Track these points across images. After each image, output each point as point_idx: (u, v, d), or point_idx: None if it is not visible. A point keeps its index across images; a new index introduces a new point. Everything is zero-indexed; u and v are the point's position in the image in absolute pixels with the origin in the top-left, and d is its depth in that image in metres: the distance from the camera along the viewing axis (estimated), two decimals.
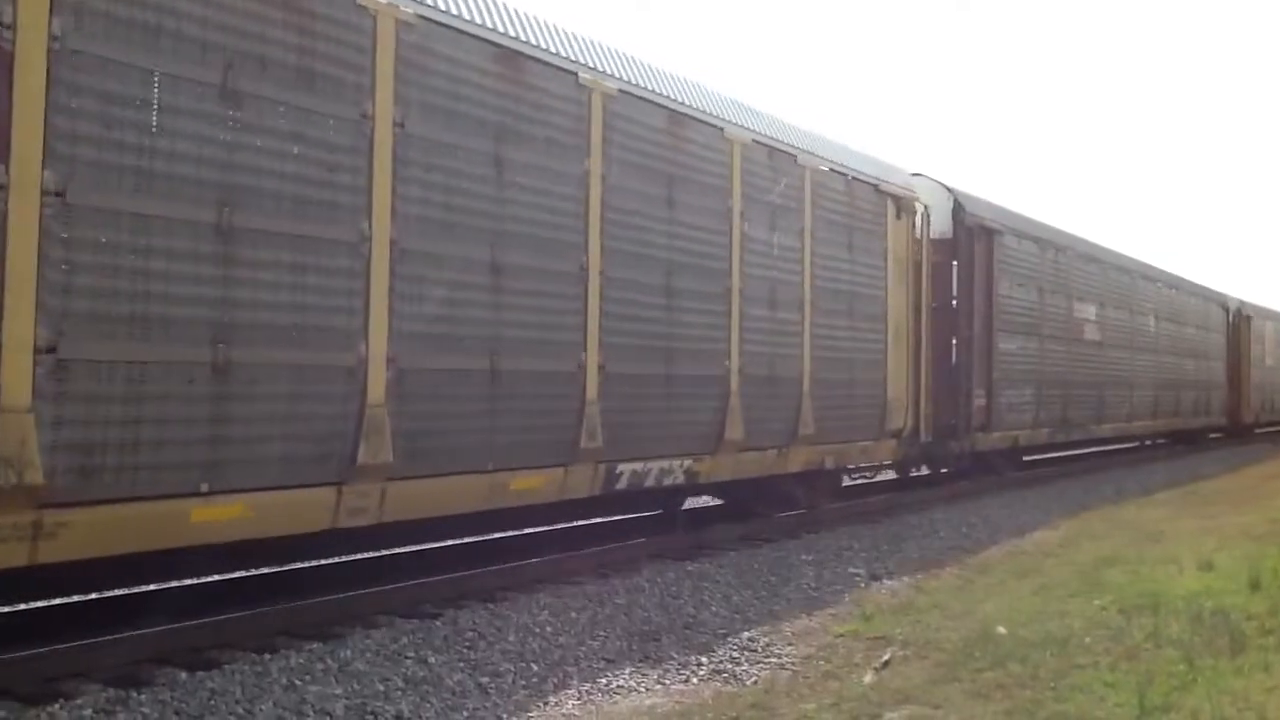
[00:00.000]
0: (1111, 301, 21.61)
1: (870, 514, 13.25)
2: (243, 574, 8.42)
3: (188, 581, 7.61)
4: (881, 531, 12.09)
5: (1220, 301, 30.28)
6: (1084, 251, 20.60)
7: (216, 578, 8.31)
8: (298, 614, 7.07)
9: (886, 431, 13.03)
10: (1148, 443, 26.42)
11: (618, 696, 6.09)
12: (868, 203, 12.70)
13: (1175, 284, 26.44)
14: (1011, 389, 16.77)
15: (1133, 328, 22.84)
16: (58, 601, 7.59)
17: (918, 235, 14.21)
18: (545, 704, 5.91)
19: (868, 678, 6.39)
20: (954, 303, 15.52)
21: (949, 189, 15.55)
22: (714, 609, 8.13)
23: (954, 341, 15.50)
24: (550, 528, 10.37)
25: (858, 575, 9.68)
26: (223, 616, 6.77)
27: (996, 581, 9.47)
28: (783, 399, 11.02)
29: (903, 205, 13.43)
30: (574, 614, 7.60)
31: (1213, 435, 30.63)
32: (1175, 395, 25.65)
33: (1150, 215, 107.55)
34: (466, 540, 9.58)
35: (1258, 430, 35.03)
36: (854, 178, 12.40)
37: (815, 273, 11.53)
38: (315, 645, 6.52)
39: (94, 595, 7.35)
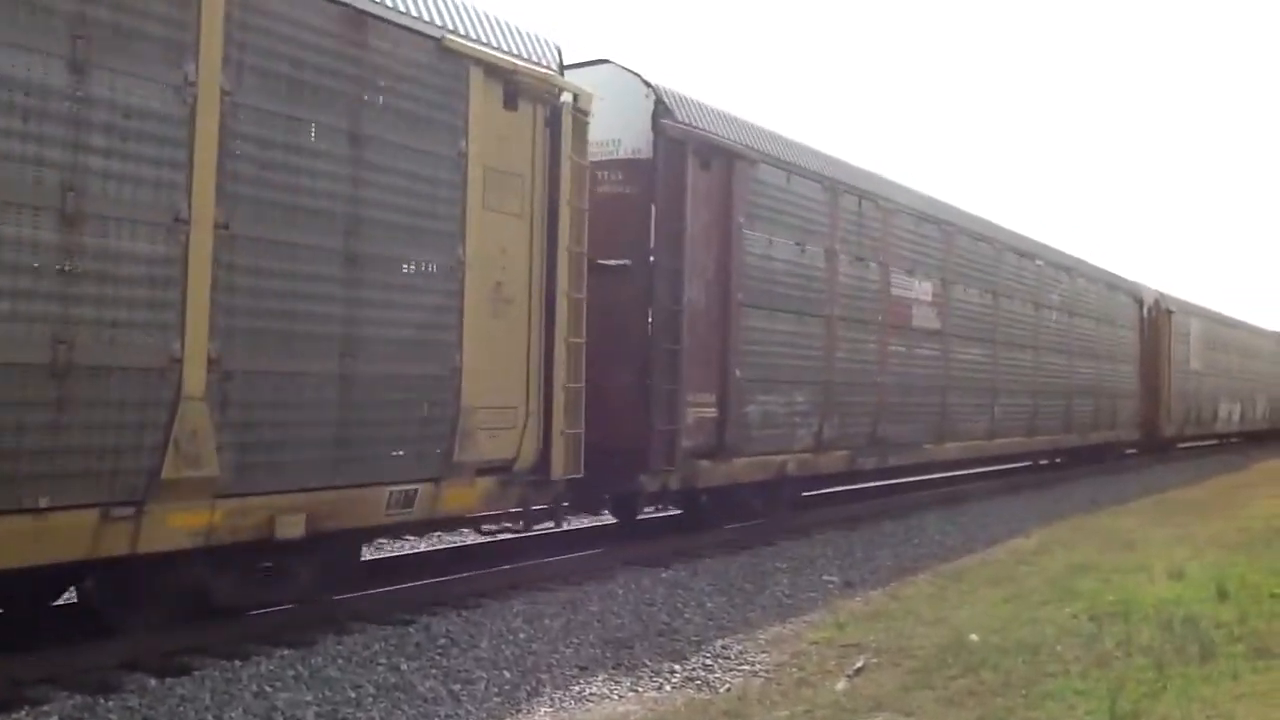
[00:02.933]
0: (962, 279, 15.83)
1: (845, 521, 13.26)
2: None
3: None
4: (856, 539, 12.11)
5: (1132, 291, 24.75)
6: (910, 206, 14.57)
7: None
8: (269, 620, 7.02)
9: (464, 466, 7.67)
10: (1052, 461, 22.14)
11: (590, 704, 6.08)
12: (414, 66, 7.36)
13: (1066, 264, 20.69)
14: (771, 394, 11.43)
15: (996, 316, 17.09)
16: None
17: (565, 145, 8.52)
18: (518, 711, 5.90)
19: (841, 685, 6.40)
20: (651, 259, 9.99)
21: (649, 84, 10.15)
22: (688, 616, 8.13)
23: (649, 319, 9.99)
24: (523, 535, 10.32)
25: (832, 582, 9.70)
26: (194, 622, 6.72)
27: (970, 589, 9.50)
28: (100, 409, 5.68)
29: (521, 88, 8.12)
30: (548, 621, 7.58)
31: (1129, 451, 25.97)
32: (1065, 405, 20.14)
33: (1072, 209, 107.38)
34: (440, 546, 9.54)
35: (1181, 445, 29.96)
36: (368, 11, 7.03)
37: (236, 167, 6.27)
38: (286, 652, 6.49)
39: (62, 601, 7.28)
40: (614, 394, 9.56)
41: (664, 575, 9.36)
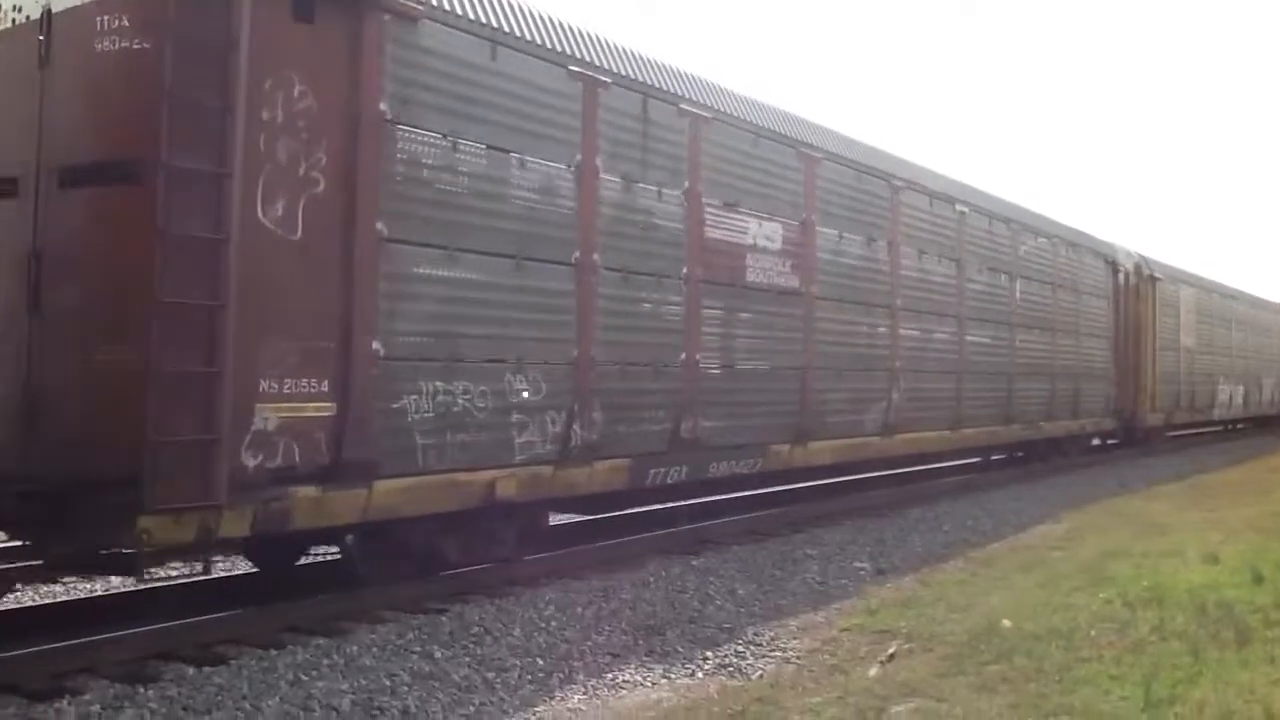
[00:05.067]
0: (835, 222, 11.91)
1: (875, 508, 13.23)
2: (249, 570, 8.47)
3: (196, 578, 7.64)
4: (886, 525, 12.09)
5: (1104, 253, 20.58)
6: (742, 117, 10.59)
7: (224, 574, 8.36)
8: (304, 610, 7.09)
9: None
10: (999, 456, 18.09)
11: (624, 691, 6.10)
12: None
13: (1004, 214, 16.46)
14: (458, 378, 7.51)
15: (894, 274, 13.11)
16: (64, 599, 7.64)
17: None
18: (551, 699, 5.92)
19: (873, 671, 6.39)
20: (163, 159, 5.83)
21: None
22: (719, 603, 8.14)
23: (161, 258, 5.79)
24: (553, 523, 10.36)
25: (862, 569, 9.69)
26: (230, 612, 6.80)
27: (1001, 575, 9.47)
28: None
29: None
30: (579, 609, 7.61)
31: (1110, 442, 22.08)
32: (1004, 390, 16.06)
33: (1069, 180, 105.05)
34: None
35: (1170, 435, 25.30)
36: None
37: None
38: (322, 641, 6.55)
39: (100, 591, 7.38)
40: (88, 386, 6.06)
41: (695, 563, 9.38)
